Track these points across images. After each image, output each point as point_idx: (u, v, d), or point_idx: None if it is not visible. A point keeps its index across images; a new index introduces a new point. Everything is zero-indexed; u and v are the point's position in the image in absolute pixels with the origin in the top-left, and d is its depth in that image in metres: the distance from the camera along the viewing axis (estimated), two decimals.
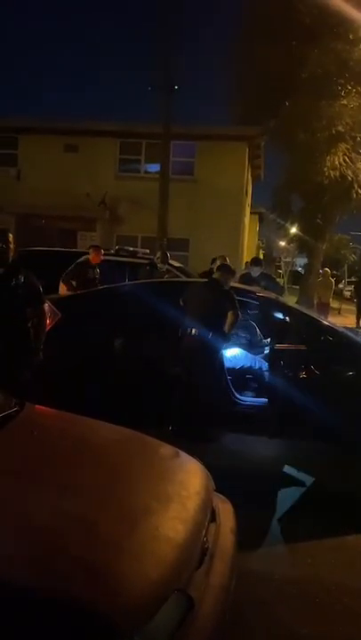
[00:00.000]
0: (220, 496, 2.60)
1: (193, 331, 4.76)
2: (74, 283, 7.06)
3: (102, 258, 7.54)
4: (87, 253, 7.82)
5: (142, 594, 1.57)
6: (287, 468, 4.80)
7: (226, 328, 4.83)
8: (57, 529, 1.71)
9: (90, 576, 1.56)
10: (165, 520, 1.95)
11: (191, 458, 2.58)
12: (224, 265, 5.48)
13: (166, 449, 2.60)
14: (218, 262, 7.87)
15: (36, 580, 1.50)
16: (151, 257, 8.75)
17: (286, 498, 4.26)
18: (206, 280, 5.58)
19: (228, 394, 4.90)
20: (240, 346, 5.84)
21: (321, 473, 4.69)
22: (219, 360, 4.88)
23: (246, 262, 11.48)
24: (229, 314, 4.81)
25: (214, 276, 5.20)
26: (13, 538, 1.65)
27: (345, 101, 15.83)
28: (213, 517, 2.33)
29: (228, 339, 4.94)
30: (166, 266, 7.79)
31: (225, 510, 2.51)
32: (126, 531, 1.81)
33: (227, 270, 5.16)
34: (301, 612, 2.85)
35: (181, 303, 4.98)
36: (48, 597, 1.47)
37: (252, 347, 5.99)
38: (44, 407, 2.82)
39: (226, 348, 5.17)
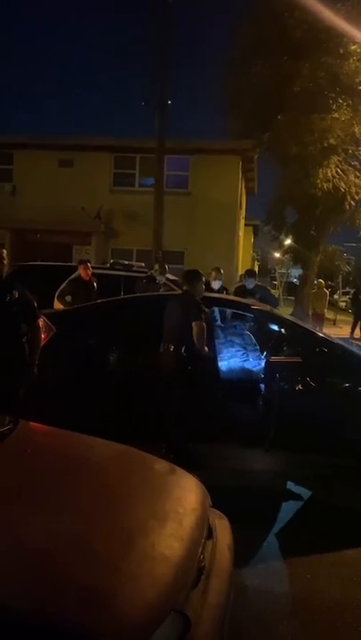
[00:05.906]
0: (217, 512, 2.57)
1: (167, 346, 4.57)
2: (68, 299, 7.11)
3: (90, 272, 7.62)
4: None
5: (138, 615, 1.55)
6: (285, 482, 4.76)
7: (195, 341, 4.43)
8: (50, 550, 1.69)
9: (85, 598, 1.53)
10: (162, 538, 1.93)
11: (187, 474, 2.55)
12: (188, 272, 5.05)
13: (162, 465, 2.58)
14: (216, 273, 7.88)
15: (29, 603, 1.47)
16: (146, 270, 8.77)
17: (284, 513, 4.22)
18: (179, 292, 5.24)
19: (222, 407, 4.87)
20: (237, 356, 5.80)
21: (319, 487, 4.66)
22: (193, 374, 4.54)
23: (241, 275, 11.51)
24: (193, 324, 4.44)
25: (183, 287, 4.89)
26: (5, 560, 1.62)
27: (336, 115, 15.99)
28: (210, 534, 2.30)
29: (199, 352, 4.48)
30: (164, 279, 7.80)
31: (222, 526, 2.49)
32: (122, 550, 1.78)
33: (192, 277, 4.79)
34: (301, 628, 2.81)
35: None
36: (42, 620, 1.44)
37: (249, 356, 5.92)
38: (38, 424, 2.79)
39: (209, 361, 4.83)
